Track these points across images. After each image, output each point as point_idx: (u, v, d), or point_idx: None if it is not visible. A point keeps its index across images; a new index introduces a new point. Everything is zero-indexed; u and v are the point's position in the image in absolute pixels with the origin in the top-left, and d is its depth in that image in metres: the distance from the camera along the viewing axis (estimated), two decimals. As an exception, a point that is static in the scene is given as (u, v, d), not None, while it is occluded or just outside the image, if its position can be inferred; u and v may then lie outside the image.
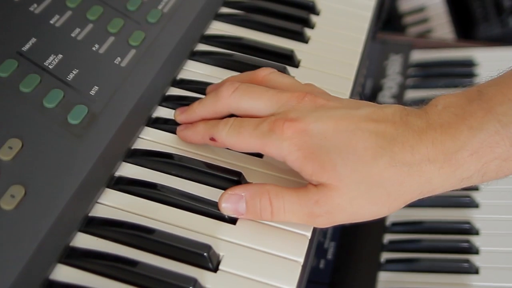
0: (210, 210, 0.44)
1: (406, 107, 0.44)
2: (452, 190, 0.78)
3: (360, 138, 0.41)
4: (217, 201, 0.43)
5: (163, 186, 0.45)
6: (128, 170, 0.47)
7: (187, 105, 0.51)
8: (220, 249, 0.42)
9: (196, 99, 0.51)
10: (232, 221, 0.44)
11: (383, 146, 0.41)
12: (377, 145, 0.41)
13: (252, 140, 0.43)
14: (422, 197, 0.42)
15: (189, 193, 0.45)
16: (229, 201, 0.43)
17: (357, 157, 0.41)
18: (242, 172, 0.46)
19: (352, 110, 0.43)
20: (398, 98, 0.91)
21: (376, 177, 0.41)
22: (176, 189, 0.45)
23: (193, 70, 0.55)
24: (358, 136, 0.41)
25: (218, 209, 0.43)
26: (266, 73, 0.49)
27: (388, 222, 0.76)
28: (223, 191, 0.45)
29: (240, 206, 0.43)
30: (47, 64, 0.47)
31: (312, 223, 0.43)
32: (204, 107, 0.48)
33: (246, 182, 0.46)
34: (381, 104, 0.45)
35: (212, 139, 0.45)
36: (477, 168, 0.40)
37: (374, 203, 0.41)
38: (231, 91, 0.46)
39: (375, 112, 0.43)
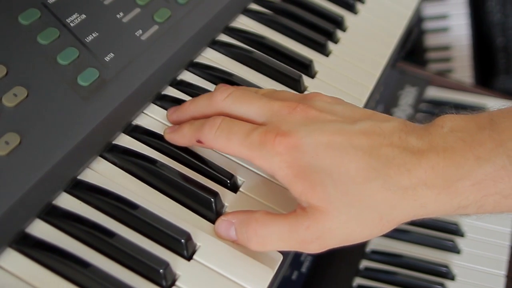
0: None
1: (407, 122, 0.41)
2: (439, 232, 0.79)
3: (353, 157, 0.39)
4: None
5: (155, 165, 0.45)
6: (126, 142, 0.47)
7: (196, 91, 0.51)
8: (198, 239, 0.42)
9: (205, 90, 0.51)
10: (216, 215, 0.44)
11: (377, 168, 0.39)
12: (370, 166, 0.39)
13: (241, 149, 0.42)
14: (415, 219, 0.41)
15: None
16: (221, 227, 0.42)
17: (348, 179, 0.39)
18: (234, 174, 0.46)
19: (346, 124, 0.41)
20: (405, 130, 0.91)
21: (368, 199, 0.39)
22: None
23: (210, 58, 0.55)
24: (350, 155, 0.39)
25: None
26: (266, 91, 0.47)
27: (368, 249, 0.76)
28: (214, 183, 0.45)
29: (231, 233, 0.42)
30: (69, 21, 0.47)
31: (304, 250, 0.41)
32: (195, 108, 0.46)
33: (237, 183, 0.46)
34: (382, 116, 0.43)
35: (199, 141, 0.44)
36: (475, 199, 0.39)
37: (366, 226, 0.40)
38: (224, 96, 0.45)
39: (372, 128, 0.41)
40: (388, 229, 0.41)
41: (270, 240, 0.41)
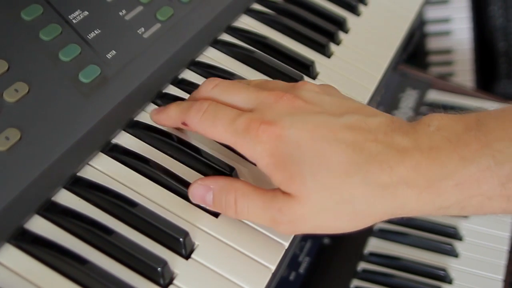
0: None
1: (394, 118, 0.41)
2: (437, 235, 0.79)
3: (336, 150, 0.39)
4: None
5: (155, 163, 0.45)
6: (126, 139, 0.47)
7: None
8: (196, 238, 0.42)
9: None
10: (215, 213, 0.44)
11: (359, 163, 0.38)
12: (352, 160, 0.39)
13: (225, 135, 0.42)
14: (392, 218, 0.40)
15: (179, 176, 0.45)
16: (198, 191, 0.42)
17: (328, 171, 0.39)
18: (236, 168, 0.46)
19: (332, 117, 0.41)
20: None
21: (345, 193, 0.39)
22: (168, 169, 0.45)
23: (212, 58, 0.55)
24: (333, 148, 0.39)
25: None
26: (257, 81, 0.47)
27: (366, 251, 0.76)
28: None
29: (207, 198, 0.42)
30: (71, 18, 0.47)
31: (275, 229, 0.41)
32: (181, 106, 0.45)
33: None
34: (369, 111, 0.42)
35: (184, 123, 0.44)
36: (458, 200, 0.38)
37: (339, 219, 0.40)
38: (211, 87, 0.45)
39: (358, 122, 0.40)
40: (363, 225, 0.40)
41: (246, 211, 0.41)
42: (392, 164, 0.38)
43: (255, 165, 0.47)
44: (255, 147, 0.40)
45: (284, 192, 0.40)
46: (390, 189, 0.38)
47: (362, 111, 0.42)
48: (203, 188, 0.42)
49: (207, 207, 0.43)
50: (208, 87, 0.45)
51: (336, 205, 0.39)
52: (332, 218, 0.40)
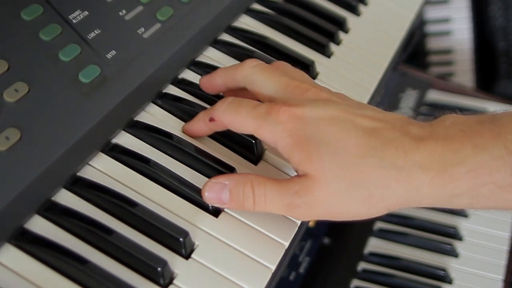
0: (196, 197, 0.44)
1: (411, 119, 0.43)
2: (437, 235, 0.79)
3: (353, 134, 0.41)
4: (205, 190, 0.43)
5: (155, 163, 0.45)
6: (126, 139, 0.47)
7: (198, 90, 0.51)
8: (196, 238, 0.42)
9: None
10: (215, 213, 0.44)
11: (375, 146, 0.40)
12: (368, 144, 0.40)
13: (248, 120, 0.43)
14: (407, 206, 0.41)
15: (179, 176, 0.45)
16: (213, 189, 0.43)
17: (345, 153, 0.40)
18: (236, 168, 0.46)
19: (353, 108, 0.43)
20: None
21: (361, 175, 0.40)
22: (168, 169, 0.45)
23: (212, 58, 0.55)
24: (351, 132, 0.41)
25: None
26: (283, 63, 0.49)
27: (366, 251, 0.76)
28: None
29: (223, 195, 0.43)
30: (71, 18, 0.47)
31: (291, 214, 0.43)
32: (225, 72, 0.49)
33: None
34: (387, 111, 0.44)
35: (211, 119, 0.45)
36: (470, 187, 0.39)
37: (353, 201, 0.41)
38: (252, 65, 0.47)
39: (376, 115, 0.43)
40: (377, 211, 0.41)
41: (263, 200, 0.42)
42: (407, 149, 0.40)
43: (255, 164, 0.48)
44: (275, 128, 0.42)
45: (299, 176, 0.41)
46: (405, 172, 0.40)
47: (381, 110, 0.44)
48: (218, 186, 0.43)
49: (222, 206, 0.43)
50: (250, 64, 0.47)
51: (351, 186, 0.40)
52: (347, 201, 0.41)
